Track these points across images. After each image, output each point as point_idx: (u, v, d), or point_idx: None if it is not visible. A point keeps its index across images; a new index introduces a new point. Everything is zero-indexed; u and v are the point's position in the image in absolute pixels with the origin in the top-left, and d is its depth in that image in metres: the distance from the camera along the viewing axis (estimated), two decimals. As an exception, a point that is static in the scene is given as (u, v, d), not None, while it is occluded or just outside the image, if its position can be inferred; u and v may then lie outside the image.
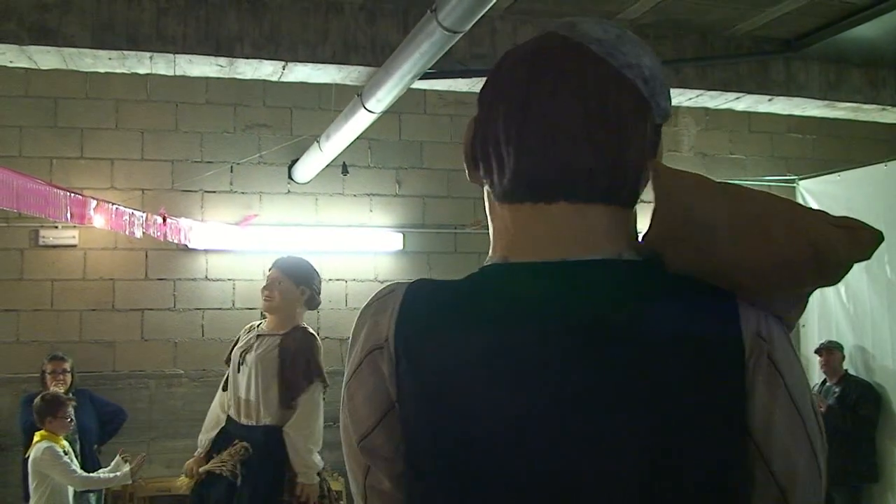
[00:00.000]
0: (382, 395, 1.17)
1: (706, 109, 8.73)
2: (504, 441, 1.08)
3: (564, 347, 1.09)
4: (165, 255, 7.38)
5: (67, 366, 6.52)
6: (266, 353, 4.55)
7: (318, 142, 6.54)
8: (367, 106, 5.30)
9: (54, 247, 7.15)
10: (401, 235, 7.77)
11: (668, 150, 8.48)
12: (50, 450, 5.19)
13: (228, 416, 4.63)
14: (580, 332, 1.09)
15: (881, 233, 1.11)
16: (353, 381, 1.20)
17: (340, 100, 6.41)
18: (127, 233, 6.02)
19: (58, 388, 6.41)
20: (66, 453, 5.28)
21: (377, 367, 1.17)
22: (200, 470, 4.57)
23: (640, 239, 1.19)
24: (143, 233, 6.20)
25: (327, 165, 7.06)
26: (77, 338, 7.14)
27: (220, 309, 7.42)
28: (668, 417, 1.07)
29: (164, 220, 6.32)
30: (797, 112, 7.04)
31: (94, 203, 5.33)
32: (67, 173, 7.08)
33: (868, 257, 1.11)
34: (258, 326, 4.78)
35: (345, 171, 7.33)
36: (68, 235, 7.15)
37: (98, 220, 5.79)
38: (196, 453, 4.69)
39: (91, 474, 5.45)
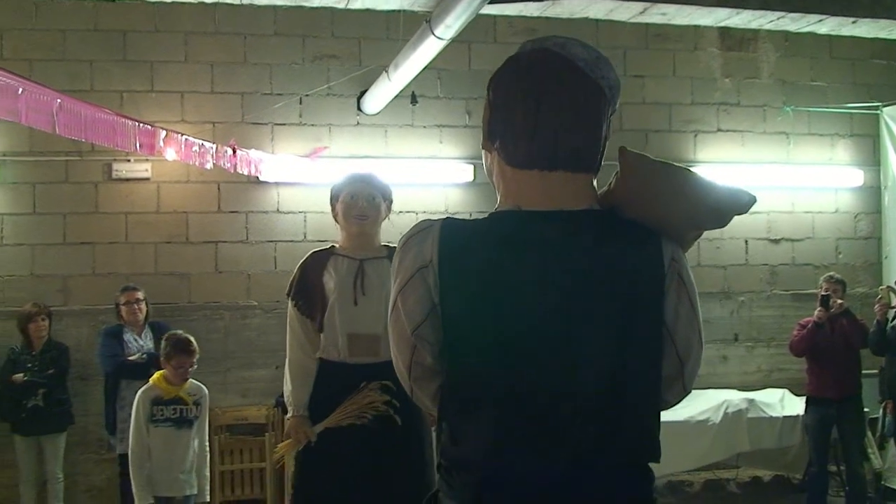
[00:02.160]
0: (427, 299, 1.82)
1: (786, 34, 8.44)
2: (523, 322, 1.75)
3: (563, 263, 1.76)
4: (237, 188, 7.40)
5: (140, 295, 6.62)
6: (386, 279, 3.60)
7: (386, 72, 6.45)
8: (435, 32, 5.19)
9: (127, 180, 7.21)
10: (471, 167, 7.68)
11: (746, 77, 8.29)
12: (139, 397, 5.14)
13: (328, 360, 3.96)
14: (573, 253, 1.77)
15: (755, 196, 1.86)
16: (406, 290, 1.83)
17: (408, 29, 6.30)
18: (197, 164, 6.03)
19: (133, 319, 6.54)
20: (166, 402, 5.18)
21: (424, 280, 1.82)
22: (319, 428, 3.89)
23: (599, 195, 1.88)
24: (214, 164, 6.21)
25: (396, 96, 6.97)
26: (152, 270, 7.23)
27: (291, 241, 7.44)
28: (625, 303, 1.77)
29: (234, 151, 6.32)
30: (883, 35, 6.73)
31: (163, 133, 5.32)
32: (138, 107, 7.10)
33: (746, 212, 1.87)
34: (331, 249, 4.12)
35: (414, 100, 7.23)
36: (141, 169, 7.20)
37: (169, 153, 5.81)
38: (294, 415, 3.96)
39: (135, 459, 5.18)
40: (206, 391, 5.54)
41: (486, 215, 1.89)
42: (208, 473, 5.53)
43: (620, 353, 1.75)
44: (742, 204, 1.85)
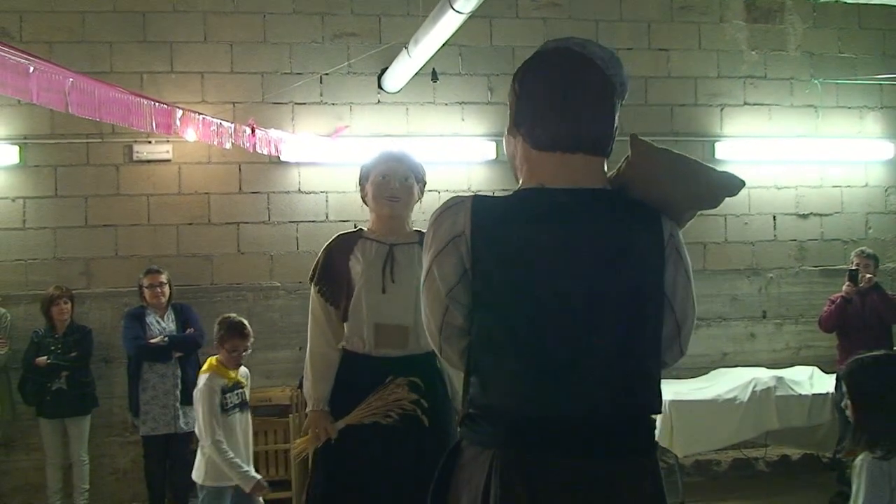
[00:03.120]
0: (460, 265, 2.05)
1: (814, 4, 8.28)
2: (549, 285, 1.98)
3: (583, 234, 2.00)
4: (258, 169, 7.36)
5: (163, 278, 6.61)
6: (417, 266, 3.36)
7: (406, 48, 6.36)
8: (454, 6, 5.10)
9: (149, 162, 7.19)
10: (494, 144, 7.59)
11: (773, 50, 8.14)
12: (208, 386, 4.90)
13: (352, 352, 3.67)
14: (591, 226, 2.02)
15: (744, 181, 2.17)
16: (441, 257, 2.06)
17: (428, 4, 6.19)
18: (215, 143, 5.99)
19: (157, 302, 6.53)
20: (231, 388, 5.01)
21: (457, 248, 2.04)
22: (341, 425, 3.62)
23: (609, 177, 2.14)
24: (232, 144, 6.16)
25: (417, 73, 6.89)
26: (174, 252, 7.22)
27: (313, 221, 7.40)
28: (635, 272, 2.02)
29: (253, 130, 6.26)
30: (916, 1, 6.57)
31: (179, 113, 5.25)
32: (158, 88, 7.06)
33: (736, 195, 2.18)
34: (360, 232, 3.83)
35: (434, 77, 7.14)
36: (162, 150, 7.17)
37: (189, 134, 5.76)
38: (314, 409, 3.68)
39: (224, 448, 4.85)
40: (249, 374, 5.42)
41: (510, 192, 2.13)
42: None
43: (632, 315, 2.01)
44: (733, 186, 2.15)
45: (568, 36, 2.17)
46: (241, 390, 5.08)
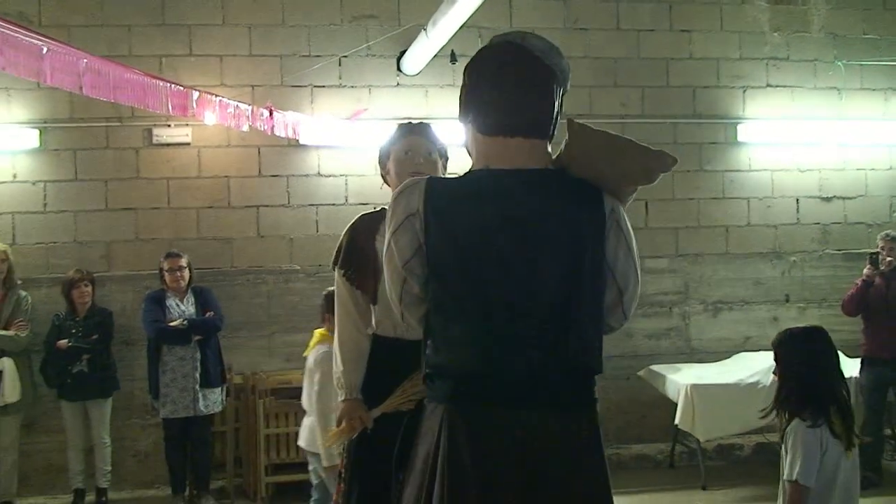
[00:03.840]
0: (415, 240, 2.27)
1: (838, -15, 8.18)
2: (490, 256, 2.20)
3: (521, 209, 2.21)
4: (278, 152, 7.34)
5: (184, 262, 6.62)
6: None
7: (424, 30, 6.33)
8: (473, -13, 5.05)
9: (168, 145, 7.19)
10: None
11: (796, 31, 8.04)
12: (327, 356, 4.64)
13: (383, 336, 3.46)
14: (529, 202, 2.22)
15: (677, 158, 2.30)
16: (398, 233, 2.29)
17: (448, -15, 6.17)
18: (233, 126, 5.97)
19: (177, 286, 6.55)
20: None
21: (412, 225, 2.27)
22: (376, 413, 3.39)
23: (553, 158, 2.32)
24: (250, 126, 6.14)
25: (436, 55, 6.85)
26: (195, 235, 7.23)
27: (333, 205, 7.38)
28: (572, 243, 2.22)
29: (271, 113, 6.24)
30: (942, -19, 6.46)
31: (195, 94, 5.23)
32: (177, 71, 7.05)
33: (669, 171, 2.32)
34: (383, 212, 3.44)
35: (453, 59, 7.10)
36: (181, 133, 7.17)
37: (208, 117, 5.75)
38: (347, 398, 3.46)
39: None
40: None
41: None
42: None
43: (569, 282, 2.21)
44: (666, 164, 2.31)
45: (511, 31, 2.41)
46: None
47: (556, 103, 2.31)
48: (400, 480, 2.44)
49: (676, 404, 6.71)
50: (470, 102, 2.33)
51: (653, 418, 7.67)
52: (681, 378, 6.85)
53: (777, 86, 8.16)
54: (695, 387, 6.58)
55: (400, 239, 2.29)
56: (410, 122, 3.62)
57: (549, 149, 2.33)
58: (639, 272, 2.36)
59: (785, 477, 3.37)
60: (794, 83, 8.19)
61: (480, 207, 2.22)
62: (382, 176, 3.59)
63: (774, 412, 3.53)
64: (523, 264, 2.20)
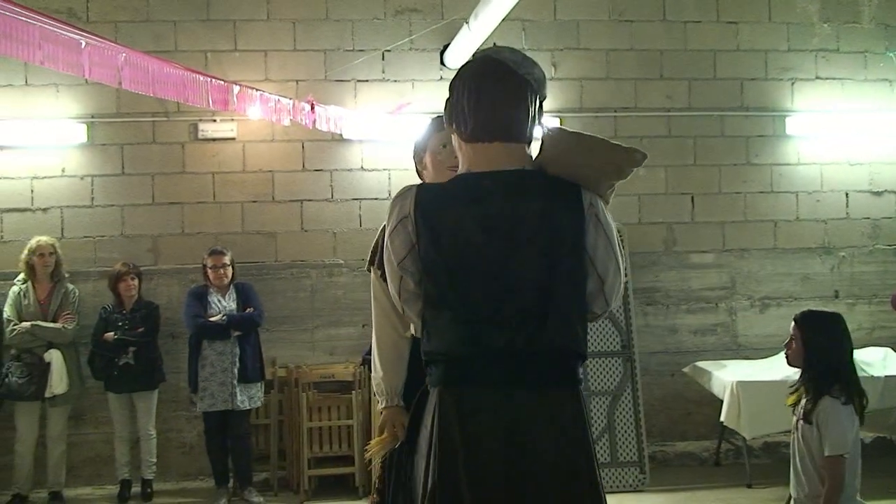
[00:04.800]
0: (408, 241, 2.49)
1: (891, -26, 8.02)
2: (472, 252, 2.41)
3: (499, 208, 2.41)
4: (321, 146, 7.36)
5: (227, 259, 6.67)
6: None
7: (467, 23, 6.30)
8: (516, -20, 5.01)
9: (214, 140, 7.24)
10: (557, 120, 7.49)
11: (846, 22, 7.89)
12: None
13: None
14: (506, 201, 2.42)
15: (646, 154, 2.48)
16: (393, 235, 2.51)
17: (491, -22, 6.13)
18: (274, 120, 5.98)
19: (220, 283, 6.61)
20: None
21: (405, 227, 2.49)
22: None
23: (532, 159, 2.51)
24: (291, 120, 6.15)
25: (479, 49, 6.80)
26: (239, 229, 7.28)
27: (376, 199, 7.39)
28: (550, 236, 2.41)
29: (312, 107, 6.25)
30: None
31: (236, 89, 5.24)
32: (223, 66, 7.10)
33: (640, 165, 2.48)
34: None
35: (497, 53, 7.04)
36: (227, 128, 7.22)
37: (253, 111, 5.77)
38: (388, 405, 3.26)
39: None
40: None
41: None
42: None
43: (546, 271, 2.40)
44: (635, 160, 2.47)
45: (489, 47, 2.65)
46: None
47: (532, 108, 2.51)
48: (412, 464, 2.64)
49: (722, 401, 6.63)
50: (453, 113, 2.54)
51: (698, 415, 7.59)
52: (726, 375, 6.76)
53: (826, 78, 8.01)
54: (740, 384, 6.49)
55: (395, 240, 2.52)
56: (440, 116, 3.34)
57: (529, 151, 2.53)
58: (620, 262, 2.51)
59: (827, 453, 3.59)
60: (844, 75, 8.04)
61: (462, 208, 2.44)
62: (418, 171, 3.45)
63: (801, 384, 3.81)
64: (501, 256, 2.41)
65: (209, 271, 6.65)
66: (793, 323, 3.94)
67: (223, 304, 6.60)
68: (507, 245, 2.42)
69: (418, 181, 3.75)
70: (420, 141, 3.44)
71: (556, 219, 2.42)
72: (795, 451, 3.76)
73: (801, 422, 3.72)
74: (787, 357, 3.96)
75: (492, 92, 2.48)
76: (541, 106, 2.55)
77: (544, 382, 2.42)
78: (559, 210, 2.43)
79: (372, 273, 3.43)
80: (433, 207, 2.48)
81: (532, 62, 2.53)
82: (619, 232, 2.63)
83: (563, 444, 2.39)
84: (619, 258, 2.51)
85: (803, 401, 3.75)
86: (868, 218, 8.08)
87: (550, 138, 2.49)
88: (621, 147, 2.48)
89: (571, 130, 2.52)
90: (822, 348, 3.77)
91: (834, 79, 8.03)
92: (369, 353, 7.42)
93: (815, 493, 3.66)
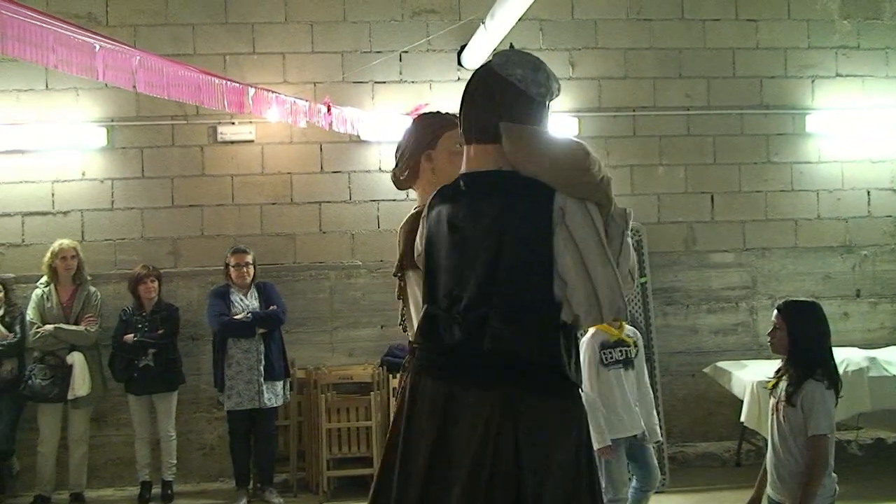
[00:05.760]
0: (421, 239, 2.69)
1: (912, -31, 7.94)
2: (441, 249, 2.55)
3: (466, 208, 2.50)
4: (339, 148, 7.37)
5: (250, 258, 6.70)
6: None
7: (483, 23, 6.29)
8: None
9: (232, 142, 7.27)
10: (576, 120, 7.48)
11: (867, 18, 7.83)
12: (592, 343, 5.17)
13: None
14: (476, 203, 2.48)
15: (587, 152, 2.41)
16: (419, 232, 2.72)
17: (508, -22, 6.11)
18: (291, 122, 5.99)
19: (242, 282, 6.63)
20: (617, 343, 5.21)
21: (421, 225, 2.70)
22: None
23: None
24: (307, 122, 6.17)
25: (496, 49, 6.80)
26: (258, 231, 7.30)
27: (394, 200, 7.37)
28: (507, 236, 2.40)
29: (329, 109, 6.25)
30: None
31: (251, 91, 5.25)
32: (241, 69, 7.13)
33: (589, 165, 2.38)
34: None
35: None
36: (245, 131, 7.25)
37: (271, 114, 5.79)
38: None
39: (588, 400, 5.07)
40: (640, 334, 5.58)
41: None
42: (657, 416, 5.52)
43: (492, 272, 2.41)
44: (576, 158, 2.38)
45: (511, 48, 2.71)
46: (626, 348, 5.26)
47: (515, 109, 2.46)
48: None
49: (742, 402, 6.59)
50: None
51: (719, 416, 7.55)
52: (747, 375, 6.71)
53: (847, 75, 7.95)
54: (761, 384, 6.43)
55: (418, 238, 2.72)
56: (445, 113, 3.18)
57: (502, 151, 2.51)
58: (591, 272, 2.36)
59: (812, 433, 3.77)
60: (865, 72, 7.97)
61: (441, 207, 2.59)
62: (403, 173, 3.13)
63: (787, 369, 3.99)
64: (458, 253, 2.50)
65: (232, 270, 6.68)
66: (776, 312, 4.11)
67: (246, 303, 6.63)
68: (464, 243, 2.49)
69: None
70: (424, 138, 3.11)
71: (514, 219, 2.40)
72: (776, 432, 3.93)
73: (782, 404, 3.90)
74: (771, 345, 4.13)
75: (472, 95, 2.53)
76: (538, 105, 2.49)
77: (476, 380, 2.43)
78: (520, 211, 2.40)
79: (412, 275, 3.08)
80: (431, 207, 2.63)
81: (515, 63, 2.49)
82: (637, 233, 2.62)
83: (486, 449, 2.35)
84: (593, 268, 2.36)
85: (783, 384, 3.95)
86: (890, 216, 8.01)
87: (506, 138, 2.45)
88: (563, 142, 2.46)
89: (526, 128, 2.45)
90: (807, 336, 3.96)
91: (855, 76, 7.96)
92: (388, 354, 7.43)
93: (797, 470, 3.83)
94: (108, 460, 7.08)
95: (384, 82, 7.44)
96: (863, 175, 7.95)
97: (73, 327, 6.59)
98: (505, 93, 2.46)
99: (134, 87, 4.20)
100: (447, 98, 7.37)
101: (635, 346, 5.34)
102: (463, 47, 7.31)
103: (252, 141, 7.28)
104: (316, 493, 6.78)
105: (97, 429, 6.96)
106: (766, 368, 6.87)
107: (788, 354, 3.99)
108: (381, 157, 7.41)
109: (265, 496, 6.64)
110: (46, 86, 7.10)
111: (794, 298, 4.51)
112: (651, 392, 5.54)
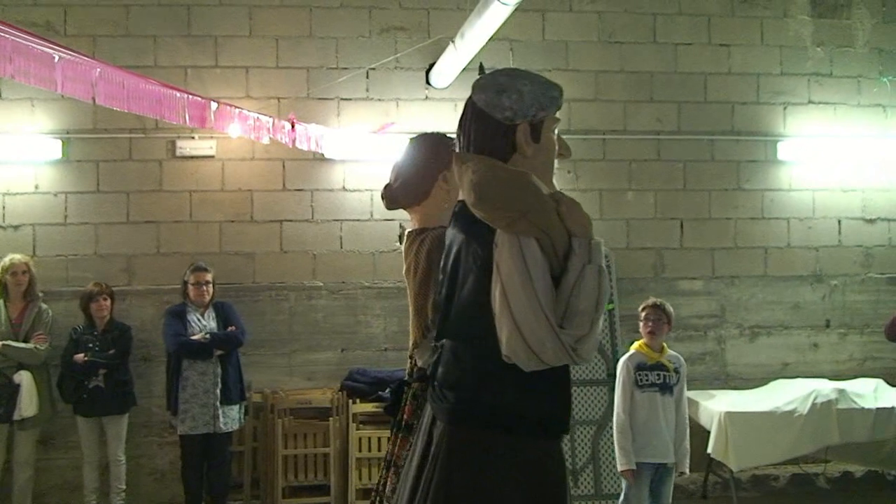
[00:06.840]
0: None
1: (883, -1, 7.92)
2: (444, 276, 2.59)
3: (450, 237, 2.58)
4: (302, 166, 7.20)
5: (210, 277, 6.51)
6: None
7: (453, 42, 6.16)
8: (500, -1, 4.88)
9: (192, 157, 7.08)
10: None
11: (839, 46, 7.78)
12: (629, 363, 5.32)
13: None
14: (453, 230, 2.56)
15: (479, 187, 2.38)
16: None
17: (477, -4, 6.00)
18: (254, 138, 5.85)
19: (200, 300, 6.42)
20: (654, 366, 5.30)
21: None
22: None
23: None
24: (270, 138, 6.01)
25: (465, 68, 6.68)
26: (217, 249, 7.10)
27: (358, 220, 7.23)
28: (457, 274, 2.47)
29: (293, 125, 6.10)
30: None
31: (214, 106, 5.09)
32: (203, 82, 6.96)
33: (480, 202, 2.34)
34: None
35: (482, 71, 6.90)
36: (206, 146, 7.06)
37: (232, 129, 5.63)
38: None
39: (618, 421, 5.35)
40: (684, 361, 5.56)
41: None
42: (688, 446, 5.43)
43: (447, 304, 2.51)
44: (486, 195, 2.31)
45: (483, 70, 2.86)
46: (664, 373, 5.27)
47: (483, 131, 2.44)
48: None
49: (709, 432, 6.46)
50: None
51: (685, 446, 7.41)
52: (715, 405, 6.59)
53: (819, 102, 7.89)
54: (728, 414, 6.33)
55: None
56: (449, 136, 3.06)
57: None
58: (513, 309, 2.21)
59: None
60: (838, 100, 7.92)
61: (448, 235, 2.64)
62: (421, 191, 3.09)
63: None
64: (439, 281, 2.62)
65: (191, 288, 6.46)
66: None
67: (203, 323, 6.42)
68: (443, 272, 2.58)
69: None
70: (441, 158, 2.99)
71: (469, 251, 2.41)
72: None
73: None
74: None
75: (463, 120, 2.54)
76: (506, 129, 2.42)
77: (435, 407, 2.49)
78: (473, 243, 2.39)
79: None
80: (447, 235, 2.66)
81: (483, 86, 2.48)
82: (606, 258, 2.55)
83: (438, 468, 2.40)
84: (517, 311, 2.21)
85: None
86: (861, 246, 7.94)
87: (454, 171, 2.49)
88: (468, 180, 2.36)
89: (467, 162, 2.39)
90: None
91: (827, 103, 7.91)
92: (349, 378, 7.30)
93: None
94: (54, 484, 6.83)
95: (350, 99, 7.28)
96: (834, 204, 7.88)
97: (22, 345, 6.34)
98: (472, 119, 2.48)
99: (93, 99, 4.04)
100: (414, 116, 7.25)
101: (676, 372, 5.31)
102: (431, 66, 7.18)
103: (212, 156, 7.10)
104: (270, 522, 6.57)
105: (44, 451, 6.71)
106: (734, 398, 6.77)
107: None
108: (346, 175, 7.24)
109: (218, 524, 6.42)
110: (0, 95, 6.89)
111: None
112: (687, 421, 5.45)
